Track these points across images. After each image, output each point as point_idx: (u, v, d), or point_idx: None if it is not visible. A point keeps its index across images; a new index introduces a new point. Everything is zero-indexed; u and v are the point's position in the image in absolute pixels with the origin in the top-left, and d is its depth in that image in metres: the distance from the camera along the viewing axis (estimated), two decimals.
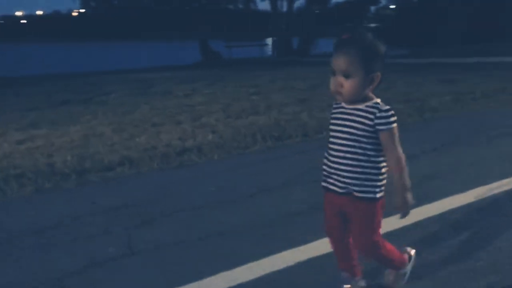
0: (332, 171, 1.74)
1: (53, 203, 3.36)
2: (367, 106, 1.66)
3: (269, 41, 32.36)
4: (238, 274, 2.19)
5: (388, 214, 1.80)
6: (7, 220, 3.05)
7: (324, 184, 1.80)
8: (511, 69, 10.31)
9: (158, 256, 2.45)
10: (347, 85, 1.63)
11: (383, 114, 1.63)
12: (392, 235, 2.22)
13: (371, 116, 1.64)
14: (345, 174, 1.69)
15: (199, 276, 2.19)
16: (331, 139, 1.76)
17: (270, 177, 3.61)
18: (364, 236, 1.75)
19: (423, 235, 2.50)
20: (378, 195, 1.69)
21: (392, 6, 37.97)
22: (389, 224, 2.20)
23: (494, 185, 3.14)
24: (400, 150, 1.64)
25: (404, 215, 1.70)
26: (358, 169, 1.66)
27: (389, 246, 1.84)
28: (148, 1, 40.72)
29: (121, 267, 2.35)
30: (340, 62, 1.64)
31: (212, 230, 2.71)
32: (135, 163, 4.22)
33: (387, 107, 1.66)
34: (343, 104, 1.73)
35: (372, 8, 44.19)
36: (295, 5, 26.09)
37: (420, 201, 1.76)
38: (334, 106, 1.80)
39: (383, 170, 1.69)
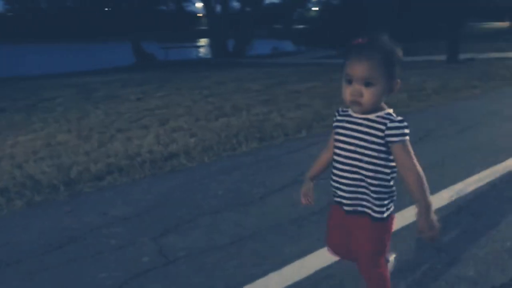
0: (337, 185, 1.62)
1: (55, 216, 3.18)
2: (378, 117, 1.51)
3: (204, 42, 32.19)
4: (287, 273, 2.23)
5: None
6: (15, 237, 2.86)
7: (335, 199, 1.69)
8: (442, 66, 11.16)
9: (197, 262, 2.44)
10: (368, 94, 1.47)
11: (396, 124, 1.48)
12: None
13: (383, 127, 1.49)
14: (350, 189, 1.57)
15: (250, 278, 2.21)
16: (337, 151, 1.61)
17: (270, 178, 3.67)
18: (365, 256, 1.63)
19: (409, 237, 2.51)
20: (385, 215, 1.56)
21: (315, 8, 39.46)
22: None
23: (474, 177, 3.42)
24: (418, 165, 1.48)
25: (432, 239, 1.45)
26: (364, 185, 1.54)
27: (387, 274, 1.72)
28: (75, 2, 38.76)
29: (163, 275, 2.32)
30: (361, 69, 1.45)
31: (241, 234, 2.74)
32: (125, 171, 4.10)
33: (400, 118, 1.51)
34: (351, 113, 1.58)
35: (299, 10, 45.45)
36: (229, 6, 26.15)
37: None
38: (340, 114, 1.64)
39: (393, 188, 1.58)
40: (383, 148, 1.50)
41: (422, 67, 10.81)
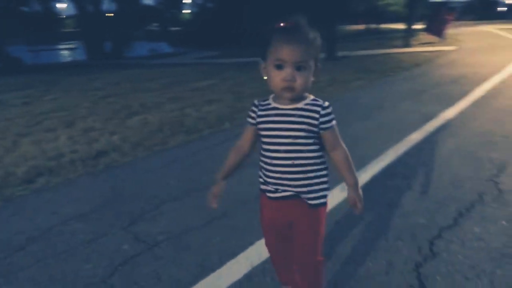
0: (277, 175, 1.53)
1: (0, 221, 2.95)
2: (306, 105, 1.47)
3: (76, 44, 30.24)
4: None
5: None
6: None
7: (269, 193, 1.61)
8: (323, 63, 12.20)
9: (181, 242, 2.51)
10: (301, 78, 1.41)
11: (327, 111, 1.47)
12: None
13: (316, 116, 1.46)
14: (291, 178, 1.50)
15: (242, 248, 2.37)
16: (268, 144, 1.53)
17: (214, 166, 3.78)
18: (307, 246, 1.60)
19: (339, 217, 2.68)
20: (325, 200, 1.57)
21: (187, 11, 39.74)
22: None
23: (384, 153, 3.97)
24: (344, 145, 1.53)
25: (361, 211, 1.56)
26: (304, 173, 1.50)
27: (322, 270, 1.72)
28: None
29: (153, 258, 2.36)
30: (293, 52, 1.38)
31: (211, 214, 2.81)
32: (56, 172, 3.91)
33: (327, 103, 1.49)
34: (276, 105, 1.51)
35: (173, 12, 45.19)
36: (104, 7, 25.04)
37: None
38: (261, 108, 1.55)
39: (326, 172, 1.56)
40: (316, 135, 1.47)
41: None
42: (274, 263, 1.80)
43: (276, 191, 1.55)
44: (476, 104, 5.44)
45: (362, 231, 2.48)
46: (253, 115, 1.56)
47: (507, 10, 57.84)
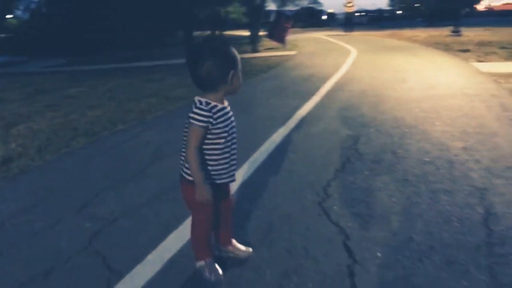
0: (234, 167, 2.07)
1: None
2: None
3: None
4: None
5: None
6: None
7: (229, 179, 2.08)
8: (180, 68, 12.96)
9: (138, 215, 2.99)
10: None
11: None
12: None
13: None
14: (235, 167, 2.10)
15: (184, 216, 3.03)
16: (225, 139, 1.95)
17: (130, 158, 4.31)
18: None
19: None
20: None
21: (10, 16, 36.57)
22: None
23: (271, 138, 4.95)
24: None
25: (204, 201, 1.97)
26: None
27: (200, 235, 2.15)
28: None
29: (122, 229, 2.82)
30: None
31: (151, 193, 3.36)
32: None
33: None
34: (222, 106, 1.95)
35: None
36: None
37: None
38: (212, 110, 1.90)
39: None
40: None
41: (172, 68, 12.36)
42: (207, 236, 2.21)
43: (231, 176, 2.07)
44: (328, 96, 6.81)
45: (274, 186, 3.34)
46: (209, 119, 1.87)
47: (327, 18, 65.97)
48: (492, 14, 66.09)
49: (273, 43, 19.66)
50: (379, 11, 74.62)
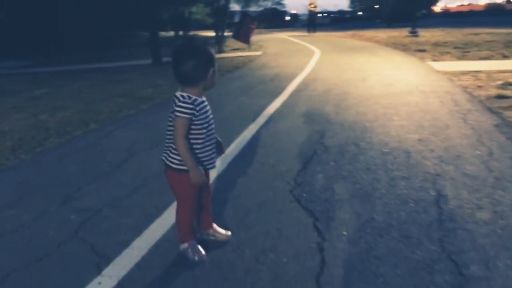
0: (214, 155, 2.29)
1: None
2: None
3: None
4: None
5: None
6: None
7: (211, 166, 2.30)
8: (153, 68, 13.02)
9: (122, 206, 3.16)
10: None
11: None
12: None
13: None
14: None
15: (167, 204, 3.24)
16: (206, 129, 2.19)
17: (105, 155, 4.45)
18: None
19: None
20: None
21: None
22: None
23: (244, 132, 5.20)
24: None
25: (199, 183, 2.23)
26: None
27: (184, 219, 2.37)
28: None
29: (101, 219, 3.00)
30: None
31: (133, 185, 3.54)
32: None
33: None
34: (202, 99, 2.17)
35: None
36: None
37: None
38: (194, 103, 2.11)
39: None
40: None
41: (138, 69, 12.37)
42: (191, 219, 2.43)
43: (212, 162, 2.30)
44: (294, 94, 7.12)
45: (248, 178, 3.59)
46: (193, 111, 2.09)
47: (291, 19, 66.83)
48: (448, 15, 68.67)
49: (238, 44, 19.95)
50: (341, 12, 76.22)
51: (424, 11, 49.41)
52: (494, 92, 6.40)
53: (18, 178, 3.95)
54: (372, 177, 3.40)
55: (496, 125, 4.65)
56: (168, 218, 2.89)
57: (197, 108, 2.12)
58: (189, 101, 2.09)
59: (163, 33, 40.88)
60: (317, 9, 29.14)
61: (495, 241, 2.42)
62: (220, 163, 3.87)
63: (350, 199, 3.03)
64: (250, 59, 13.71)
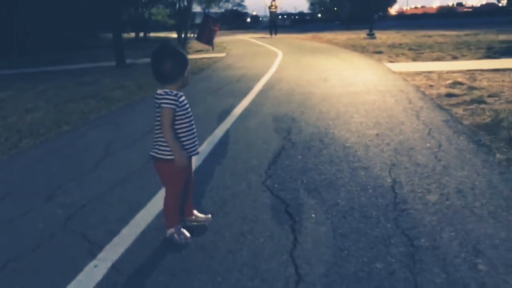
0: (196, 142, 2.58)
1: None
2: None
3: None
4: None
5: None
6: None
7: (194, 152, 2.58)
8: (117, 70, 13.06)
9: (111, 196, 3.39)
10: None
11: None
12: None
13: None
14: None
15: (153, 193, 3.51)
16: (188, 119, 2.51)
17: (83, 158, 4.62)
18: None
19: None
20: None
21: None
22: None
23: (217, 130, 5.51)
24: None
25: (182, 166, 2.50)
26: None
27: (172, 205, 2.65)
28: None
29: (87, 213, 3.21)
30: None
31: (117, 178, 3.76)
32: None
33: None
34: (181, 94, 2.46)
35: None
36: None
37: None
38: (178, 96, 2.42)
39: None
40: None
41: (103, 71, 12.38)
42: (178, 205, 2.70)
43: (195, 149, 2.58)
44: (260, 94, 7.45)
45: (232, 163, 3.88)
46: (176, 103, 2.38)
47: (252, 21, 67.43)
48: (403, 17, 71.09)
49: (201, 45, 20.14)
50: (301, 14, 77.46)
51: (380, 13, 51.05)
52: (444, 91, 6.96)
53: None
54: (335, 168, 3.77)
55: (445, 121, 5.14)
56: (152, 209, 3.14)
57: (180, 100, 2.43)
58: (172, 94, 2.40)
59: (124, 35, 40.48)
60: (277, 10, 29.67)
61: (441, 218, 2.82)
62: (195, 160, 4.14)
63: (317, 188, 3.38)
64: (214, 60, 13.96)
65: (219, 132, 5.16)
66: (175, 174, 2.56)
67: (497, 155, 3.88)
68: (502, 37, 16.74)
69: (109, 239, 2.76)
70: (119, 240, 2.75)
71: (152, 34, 42.55)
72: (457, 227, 2.68)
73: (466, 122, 5.03)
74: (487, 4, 74.69)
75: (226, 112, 6.10)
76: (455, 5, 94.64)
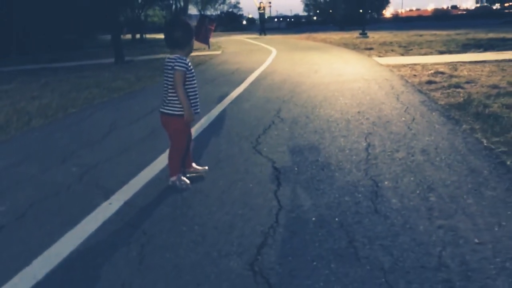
0: (197, 101, 3.05)
1: None
2: None
3: None
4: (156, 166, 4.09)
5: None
6: None
7: (197, 111, 3.06)
8: (116, 66, 13.49)
9: (115, 161, 3.91)
10: None
11: None
12: None
13: None
14: None
15: (153, 157, 3.97)
16: (194, 81, 3.00)
17: (91, 132, 5.07)
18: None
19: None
20: None
21: None
22: None
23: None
24: None
25: (190, 121, 3.05)
26: None
27: (177, 155, 3.14)
28: None
29: (101, 169, 3.68)
30: None
31: (118, 149, 4.20)
32: None
33: None
34: (188, 60, 2.94)
35: None
36: None
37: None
38: (186, 60, 2.91)
39: None
40: None
41: (102, 67, 12.82)
42: (181, 157, 3.25)
43: (198, 108, 3.10)
44: (253, 83, 7.93)
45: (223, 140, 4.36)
46: (186, 66, 2.88)
47: (248, 23, 68.12)
48: (398, 20, 71.80)
49: (198, 44, 20.63)
50: (297, 17, 78.16)
51: (374, 15, 51.70)
52: (426, 79, 7.46)
53: (16, 147, 4.54)
54: (318, 137, 4.26)
55: (422, 101, 5.64)
56: (156, 166, 3.62)
57: (188, 64, 2.91)
58: (183, 59, 2.89)
59: (121, 36, 40.83)
60: (268, 10, 30.41)
61: (405, 168, 3.31)
62: (194, 131, 4.62)
63: (301, 150, 3.87)
64: (211, 57, 14.44)
65: (215, 111, 5.65)
66: (181, 129, 3.05)
67: (463, 126, 4.38)
68: (491, 35, 17.31)
69: (120, 187, 3.23)
70: (129, 187, 3.22)
71: (148, 36, 42.99)
72: (417, 174, 3.17)
73: (441, 102, 5.53)
74: (481, 7, 75.63)
75: (222, 97, 6.59)
76: (449, 8, 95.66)
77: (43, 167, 3.77)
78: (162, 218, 2.68)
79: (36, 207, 2.96)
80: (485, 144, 3.73)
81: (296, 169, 3.40)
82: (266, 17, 32.41)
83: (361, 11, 31.91)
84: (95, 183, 3.33)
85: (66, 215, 2.79)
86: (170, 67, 2.92)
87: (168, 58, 2.95)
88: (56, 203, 3.01)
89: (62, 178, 3.50)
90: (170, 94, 2.98)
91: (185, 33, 2.93)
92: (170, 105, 2.99)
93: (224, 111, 5.61)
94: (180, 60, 2.88)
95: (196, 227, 2.52)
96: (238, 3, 57.76)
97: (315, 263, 2.10)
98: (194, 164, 3.36)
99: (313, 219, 2.56)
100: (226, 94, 6.82)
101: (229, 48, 19.01)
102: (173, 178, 3.15)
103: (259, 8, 30.55)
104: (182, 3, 25.34)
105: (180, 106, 2.97)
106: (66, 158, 4.03)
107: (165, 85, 3.01)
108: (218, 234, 2.43)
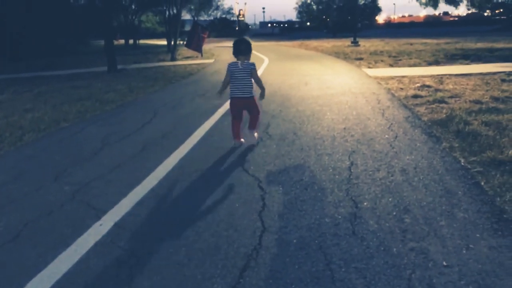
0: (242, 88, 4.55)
1: None
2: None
3: None
4: (171, 161, 4.25)
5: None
6: None
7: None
8: (109, 75, 13.63)
9: (111, 176, 4.06)
10: None
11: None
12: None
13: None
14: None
15: (157, 164, 4.12)
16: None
17: (83, 148, 5.21)
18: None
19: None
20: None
21: None
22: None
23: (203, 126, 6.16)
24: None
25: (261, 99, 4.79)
26: None
27: (258, 117, 4.80)
28: None
29: (93, 188, 3.86)
30: None
31: (100, 172, 4.31)
32: None
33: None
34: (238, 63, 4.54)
35: None
36: None
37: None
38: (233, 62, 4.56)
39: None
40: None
41: (95, 76, 12.96)
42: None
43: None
44: None
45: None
46: (229, 68, 4.54)
47: (239, 29, 68.32)
48: (391, 26, 72.47)
49: (190, 52, 20.80)
50: (290, 23, 78.61)
51: (366, 22, 52.18)
52: (412, 92, 7.67)
53: (9, 164, 4.65)
54: (304, 155, 4.42)
55: (406, 117, 5.82)
56: (146, 185, 3.75)
57: (232, 67, 4.54)
58: (252, 63, 4.60)
59: (114, 42, 40.97)
60: (245, 19, 30.89)
61: (384, 189, 3.47)
62: (183, 148, 4.77)
63: (286, 169, 4.02)
64: (203, 66, 14.60)
65: (206, 126, 5.79)
66: (258, 103, 4.75)
67: (443, 144, 4.55)
68: (479, 44, 17.63)
69: (111, 207, 3.36)
70: (120, 207, 3.35)
71: (142, 41, 43.12)
72: (395, 195, 3.33)
73: (424, 118, 5.72)
74: (472, 14, 76.49)
75: (213, 111, 6.73)
76: (441, 15, 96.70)
77: (36, 185, 3.89)
78: (149, 239, 2.81)
79: (30, 226, 3.08)
80: (462, 164, 3.91)
81: (280, 189, 3.55)
82: (247, 24, 32.84)
83: (349, 17, 32.25)
84: (87, 202, 3.46)
85: (59, 236, 2.91)
86: (248, 69, 4.56)
87: (242, 63, 4.58)
88: (49, 223, 3.13)
89: (54, 197, 3.62)
90: (249, 84, 4.58)
91: (249, 46, 4.57)
92: (250, 90, 4.62)
93: (214, 126, 5.77)
94: (252, 63, 4.62)
95: (183, 249, 2.66)
96: (231, 9, 58.00)
97: (293, 286, 2.25)
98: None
99: (294, 241, 2.70)
100: (217, 108, 6.97)
101: (221, 55, 19.19)
102: (256, 135, 4.74)
103: (238, 16, 30.96)
104: (175, 10, 25.45)
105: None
106: (58, 175, 4.14)
107: (242, 79, 4.58)
108: (204, 256, 2.57)
